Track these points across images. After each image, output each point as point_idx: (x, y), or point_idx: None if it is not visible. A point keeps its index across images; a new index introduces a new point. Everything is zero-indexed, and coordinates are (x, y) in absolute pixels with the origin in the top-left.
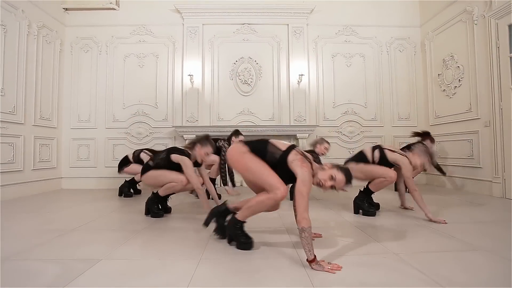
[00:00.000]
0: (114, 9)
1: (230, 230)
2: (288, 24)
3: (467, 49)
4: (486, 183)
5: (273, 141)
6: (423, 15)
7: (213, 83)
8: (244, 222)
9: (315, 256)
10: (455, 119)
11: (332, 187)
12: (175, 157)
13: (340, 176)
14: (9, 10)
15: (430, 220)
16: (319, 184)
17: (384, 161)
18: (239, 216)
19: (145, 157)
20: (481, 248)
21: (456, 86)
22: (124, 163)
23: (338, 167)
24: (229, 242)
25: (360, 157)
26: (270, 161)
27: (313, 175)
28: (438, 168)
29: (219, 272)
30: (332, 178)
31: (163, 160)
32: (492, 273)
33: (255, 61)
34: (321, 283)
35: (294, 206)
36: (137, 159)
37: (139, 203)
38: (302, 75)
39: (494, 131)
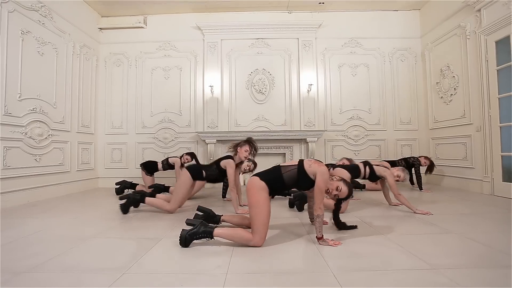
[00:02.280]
0: (142, 27)
1: (199, 233)
2: (298, 38)
3: (461, 60)
4: (478, 181)
5: (282, 164)
6: (423, 27)
7: (231, 92)
8: (212, 238)
9: (322, 235)
10: (451, 124)
11: (336, 196)
12: (222, 163)
13: (344, 189)
14: (59, 35)
15: (415, 212)
16: (327, 191)
17: (373, 175)
18: (215, 233)
19: (175, 160)
20: (453, 232)
21: (452, 94)
22: (154, 169)
23: (345, 181)
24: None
25: (355, 173)
26: (291, 180)
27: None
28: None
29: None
30: (337, 189)
31: (214, 171)
32: (454, 247)
33: (269, 72)
34: (326, 253)
35: (310, 198)
36: (166, 166)
37: None
38: (311, 84)
39: (484, 135)
